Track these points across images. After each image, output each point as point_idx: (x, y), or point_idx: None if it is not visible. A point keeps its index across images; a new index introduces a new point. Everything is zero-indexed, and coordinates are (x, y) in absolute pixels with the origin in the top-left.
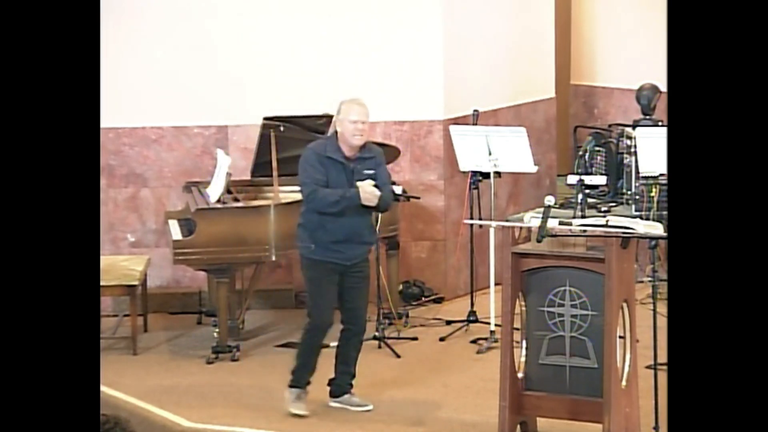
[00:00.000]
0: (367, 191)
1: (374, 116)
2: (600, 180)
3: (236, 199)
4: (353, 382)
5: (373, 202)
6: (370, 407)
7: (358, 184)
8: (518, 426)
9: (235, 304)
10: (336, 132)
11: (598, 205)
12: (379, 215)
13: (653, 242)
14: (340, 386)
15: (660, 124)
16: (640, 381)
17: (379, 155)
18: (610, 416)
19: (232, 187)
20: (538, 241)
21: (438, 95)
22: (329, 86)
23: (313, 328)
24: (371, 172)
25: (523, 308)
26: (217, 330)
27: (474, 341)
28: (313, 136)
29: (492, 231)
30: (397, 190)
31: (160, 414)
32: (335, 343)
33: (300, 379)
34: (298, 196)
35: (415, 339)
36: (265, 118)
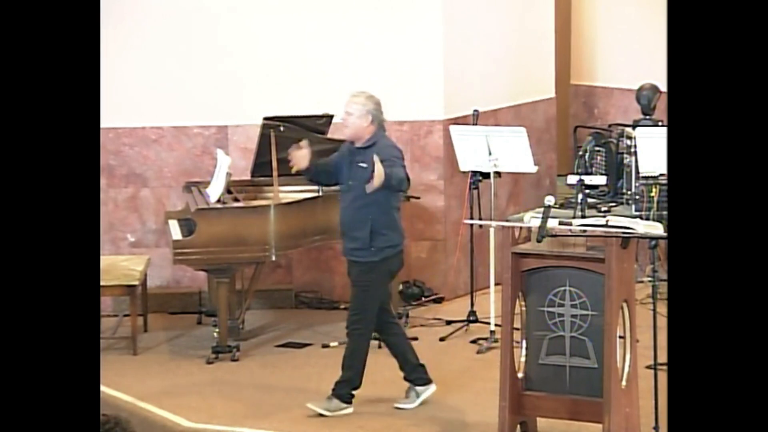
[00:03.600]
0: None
1: None
2: (600, 180)
3: (236, 199)
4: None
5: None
6: (318, 410)
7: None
8: (518, 426)
9: (235, 304)
10: None
11: (598, 205)
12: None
13: (653, 242)
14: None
15: (660, 124)
16: (640, 381)
17: (383, 146)
18: (610, 416)
19: (232, 187)
20: (538, 241)
21: (438, 95)
22: (329, 86)
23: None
24: (364, 165)
25: (523, 308)
26: (217, 330)
27: (474, 341)
28: (313, 136)
29: (492, 231)
30: None
31: (160, 414)
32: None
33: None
34: (298, 196)
35: (415, 339)
36: (265, 118)
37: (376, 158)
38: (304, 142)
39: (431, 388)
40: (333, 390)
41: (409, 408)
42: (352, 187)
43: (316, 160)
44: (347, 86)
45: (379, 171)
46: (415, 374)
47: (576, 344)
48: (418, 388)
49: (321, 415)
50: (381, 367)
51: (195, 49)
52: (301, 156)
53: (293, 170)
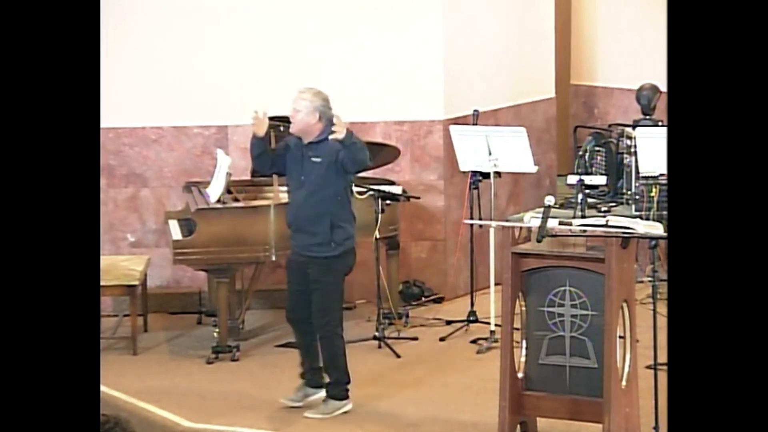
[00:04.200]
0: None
1: (374, 116)
2: (600, 180)
3: (236, 199)
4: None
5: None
6: (315, 416)
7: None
8: (518, 426)
9: (235, 304)
10: None
11: (598, 205)
12: (380, 215)
13: (653, 242)
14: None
15: (660, 124)
16: (640, 381)
17: (329, 144)
18: (610, 416)
19: (232, 187)
20: (538, 241)
21: (438, 95)
22: (329, 86)
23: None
24: (318, 159)
25: (523, 308)
26: (217, 330)
27: (474, 341)
28: None
29: (492, 231)
30: (397, 190)
31: (160, 414)
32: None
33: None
34: None
35: (415, 339)
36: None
37: (336, 119)
38: (261, 111)
39: (320, 393)
40: (327, 393)
41: (296, 406)
42: (305, 183)
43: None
44: (347, 86)
45: (340, 122)
46: (311, 374)
47: (576, 344)
48: (309, 390)
49: (313, 418)
50: (381, 368)
51: (195, 49)
52: (262, 122)
53: (254, 134)
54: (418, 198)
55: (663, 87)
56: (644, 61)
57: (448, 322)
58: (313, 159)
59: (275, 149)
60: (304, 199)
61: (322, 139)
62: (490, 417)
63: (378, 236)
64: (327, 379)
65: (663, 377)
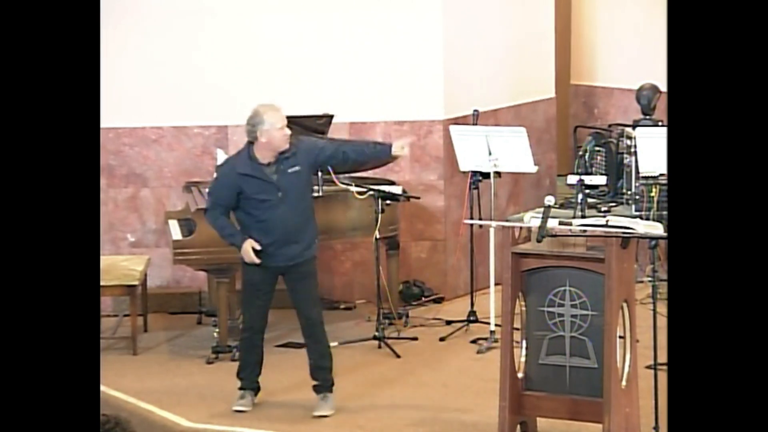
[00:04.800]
0: None
1: (374, 116)
2: (600, 180)
3: None
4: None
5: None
6: (324, 413)
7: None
8: (518, 426)
9: (235, 304)
10: (251, 144)
11: (598, 205)
12: (380, 215)
13: (653, 242)
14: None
15: (660, 124)
16: (640, 381)
17: (301, 149)
18: (610, 416)
19: None
20: (538, 241)
21: (438, 95)
22: (329, 86)
23: (246, 328)
24: (296, 169)
25: (523, 308)
26: (217, 330)
27: (474, 341)
28: (313, 136)
29: (492, 231)
30: (397, 190)
31: (160, 414)
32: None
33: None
34: None
35: (415, 339)
36: None
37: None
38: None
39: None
40: (325, 388)
41: (245, 410)
42: (286, 197)
43: (225, 227)
44: (347, 86)
45: (398, 145)
46: (255, 379)
47: (576, 344)
48: (252, 394)
49: (326, 416)
50: (381, 368)
51: (195, 49)
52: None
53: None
54: (418, 198)
55: (663, 87)
56: (644, 61)
57: (448, 322)
58: (291, 170)
59: (225, 212)
60: (290, 212)
61: (294, 149)
62: (490, 417)
63: (378, 236)
64: (317, 375)
65: (663, 377)
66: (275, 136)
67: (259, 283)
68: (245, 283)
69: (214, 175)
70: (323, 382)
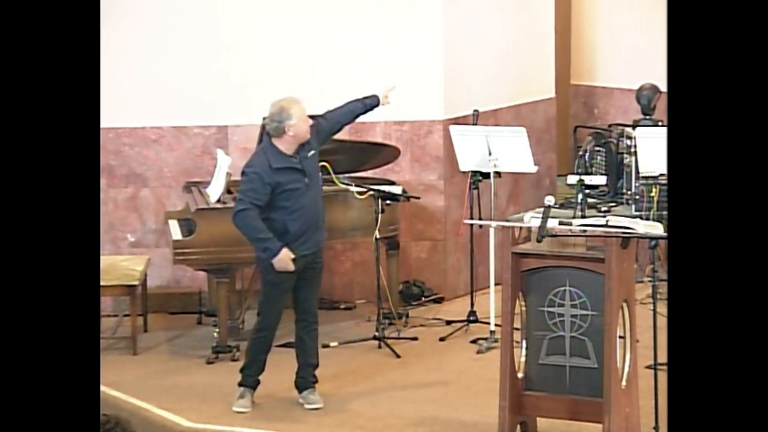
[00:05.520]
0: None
1: (374, 116)
2: (600, 180)
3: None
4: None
5: None
6: (319, 405)
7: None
8: (518, 426)
9: (235, 304)
10: (271, 138)
11: (598, 205)
12: (380, 215)
13: (653, 242)
14: (303, 379)
15: (660, 124)
16: (640, 381)
17: (318, 125)
18: (610, 416)
19: (232, 187)
20: (538, 241)
21: (438, 95)
22: (329, 86)
23: (264, 327)
24: (313, 152)
25: (523, 308)
26: (217, 330)
27: (474, 341)
28: None
29: (492, 231)
30: (397, 190)
31: (160, 414)
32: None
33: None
34: None
35: (415, 339)
36: (265, 118)
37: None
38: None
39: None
40: (313, 382)
41: (245, 411)
42: (312, 183)
43: (259, 232)
44: (347, 86)
45: (385, 91)
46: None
47: (576, 344)
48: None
49: (318, 408)
50: (381, 367)
51: (195, 49)
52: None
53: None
54: (418, 198)
55: (663, 87)
56: (644, 61)
57: (448, 322)
58: (310, 155)
59: (259, 211)
60: (315, 197)
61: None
62: (490, 417)
63: (378, 236)
64: (306, 371)
65: (663, 377)
66: (302, 128)
67: (286, 281)
68: (271, 283)
69: (241, 177)
70: (312, 378)
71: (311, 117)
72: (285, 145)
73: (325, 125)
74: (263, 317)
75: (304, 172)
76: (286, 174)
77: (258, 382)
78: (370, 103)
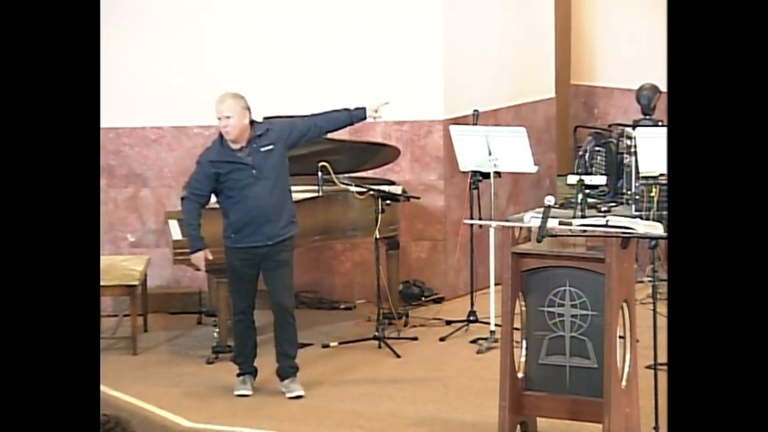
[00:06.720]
0: None
1: None
2: (600, 180)
3: None
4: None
5: None
6: (300, 393)
7: None
8: (518, 426)
9: None
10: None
11: (598, 205)
12: (380, 215)
13: (653, 242)
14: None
15: (660, 124)
16: (640, 381)
17: (274, 128)
18: (610, 416)
19: None
20: (538, 241)
21: (438, 95)
22: (329, 86)
23: (236, 312)
24: (269, 147)
25: (523, 308)
26: (217, 330)
27: (474, 341)
28: None
29: (492, 231)
30: (397, 190)
31: (160, 414)
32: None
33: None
34: (298, 196)
35: (415, 339)
36: (265, 118)
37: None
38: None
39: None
40: (293, 370)
41: (247, 394)
42: (261, 175)
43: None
44: (347, 86)
45: (372, 108)
46: (252, 363)
47: (576, 344)
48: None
49: (300, 396)
50: (381, 367)
51: (195, 49)
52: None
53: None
54: (418, 198)
55: (663, 87)
56: (644, 61)
57: (448, 322)
58: (264, 149)
59: (202, 201)
60: (266, 190)
61: (265, 129)
62: (490, 417)
63: (378, 236)
64: (285, 361)
65: (663, 377)
66: (221, 124)
67: (240, 267)
68: (228, 269)
69: None
70: (292, 368)
71: (290, 117)
72: (228, 139)
73: (300, 125)
74: (233, 302)
75: (250, 165)
76: (224, 166)
77: (255, 369)
78: (357, 115)
